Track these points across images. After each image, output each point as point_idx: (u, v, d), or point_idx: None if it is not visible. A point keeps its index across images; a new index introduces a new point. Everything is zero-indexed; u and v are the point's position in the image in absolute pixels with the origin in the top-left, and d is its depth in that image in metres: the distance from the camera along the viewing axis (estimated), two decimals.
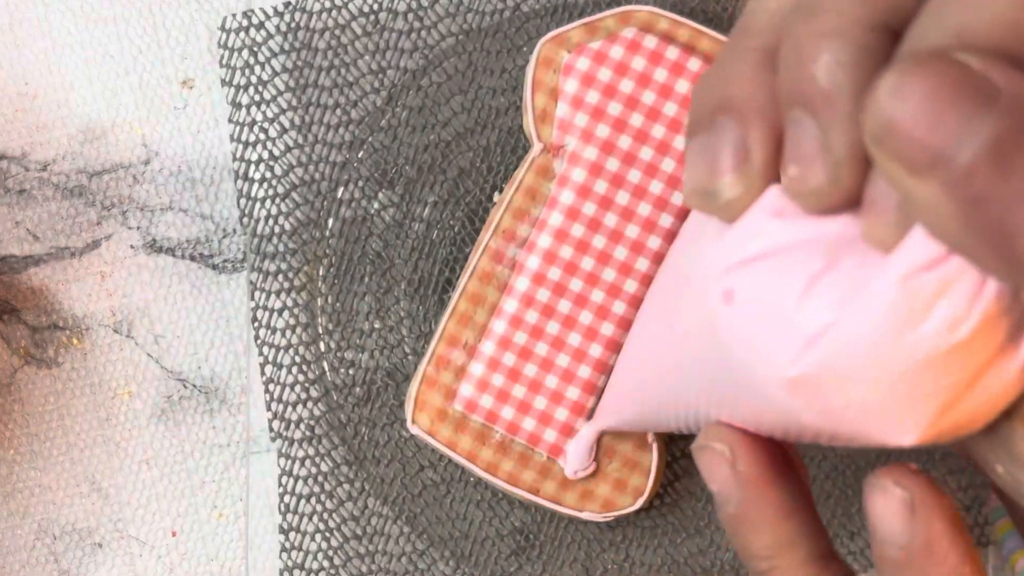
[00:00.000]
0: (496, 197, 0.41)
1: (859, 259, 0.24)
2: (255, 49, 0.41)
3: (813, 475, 0.41)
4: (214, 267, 0.42)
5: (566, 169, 0.39)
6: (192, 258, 0.42)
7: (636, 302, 0.39)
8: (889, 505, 0.26)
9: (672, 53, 0.39)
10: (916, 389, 0.23)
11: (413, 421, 0.40)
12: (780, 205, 0.25)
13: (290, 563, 0.41)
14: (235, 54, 0.41)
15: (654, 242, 0.39)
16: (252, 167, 0.41)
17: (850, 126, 0.23)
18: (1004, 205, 0.20)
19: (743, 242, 0.25)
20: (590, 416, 0.40)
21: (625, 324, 0.39)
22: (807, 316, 0.24)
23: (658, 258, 0.39)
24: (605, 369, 0.39)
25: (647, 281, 0.39)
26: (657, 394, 0.32)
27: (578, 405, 0.39)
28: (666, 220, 0.39)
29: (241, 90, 0.41)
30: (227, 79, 0.41)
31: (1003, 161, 0.20)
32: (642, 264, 0.39)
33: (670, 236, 0.39)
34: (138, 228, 0.42)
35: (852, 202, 0.24)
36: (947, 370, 0.23)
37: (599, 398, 0.39)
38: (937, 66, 0.20)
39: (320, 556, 0.41)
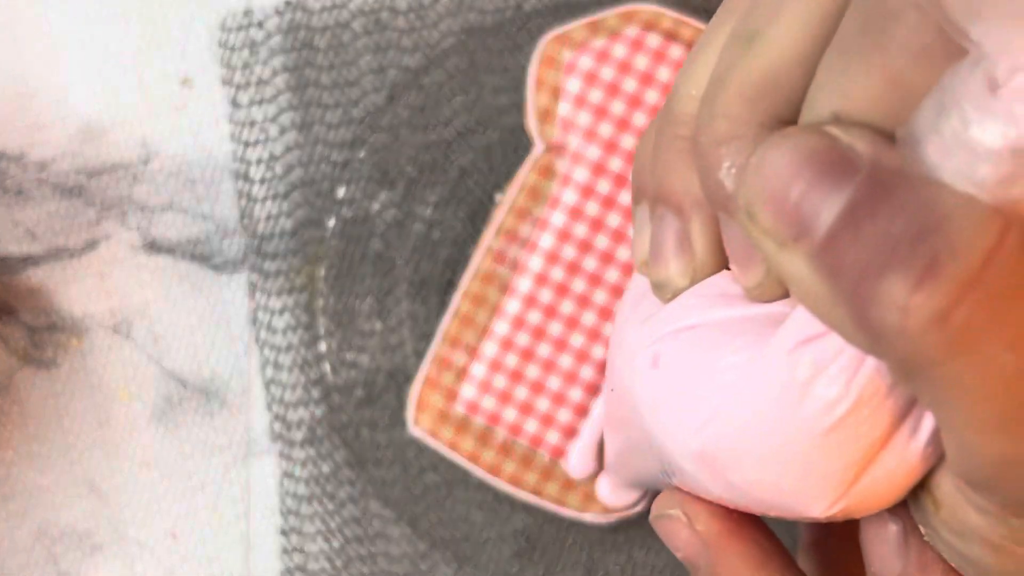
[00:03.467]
0: (498, 197, 0.41)
1: (768, 333, 0.23)
2: (255, 48, 0.41)
3: None
4: (214, 267, 0.42)
5: (569, 168, 0.39)
6: (192, 258, 0.42)
7: None
8: (882, 535, 0.26)
9: (676, 52, 0.39)
10: (808, 468, 0.23)
11: (415, 423, 0.39)
12: (723, 287, 0.25)
13: (291, 565, 0.41)
14: (235, 53, 0.41)
15: None
16: (252, 167, 0.41)
17: None
18: (858, 273, 0.19)
19: (679, 314, 0.25)
20: (590, 415, 0.39)
21: None
22: (713, 388, 0.24)
23: None
24: None
25: None
26: (625, 457, 0.32)
27: (580, 406, 0.39)
28: None
29: (241, 89, 0.41)
30: (227, 78, 0.41)
31: (859, 228, 0.19)
32: None
33: None
34: (137, 228, 0.42)
35: None
36: (833, 450, 0.22)
37: (602, 399, 0.39)
38: (799, 138, 0.20)
39: (322, 558, 0.41)
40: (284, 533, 0.41)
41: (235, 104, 0.41)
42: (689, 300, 0.26)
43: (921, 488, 0.24)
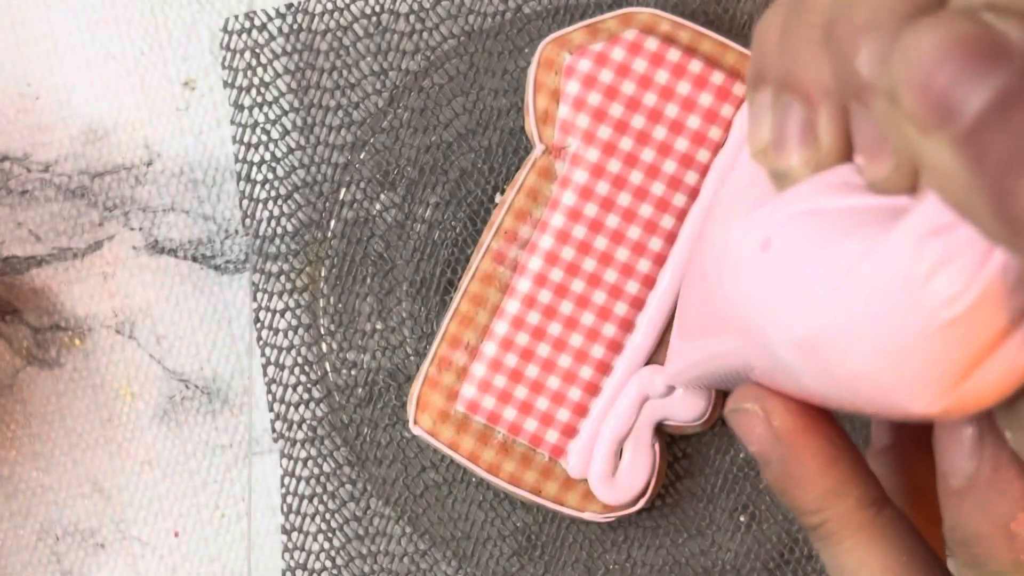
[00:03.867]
0: (498, 198, 0.41)
1: (890, 225, 0.23)
2: (257, 51, 0.41)
3: None
4: (216, 268, 0.42)
5: (568, 170, 0.39)
6: (194, 259, 0.42)
7: (638, 303, 0.39)
8: (956, 436, 0.25)
9: (673, 55, 0.39)
10: (918, 362, 0.22)
11: (415, 422, 0.40)
12: (845, 176, 0.24)
13: (292, 563, 0.41)
14: (237, 56, 0.41)
15: (656, 243, 0.39)
16: (254, 168, 0.41)
17: None
18: (1004, 163, 0.19)
19: (795, 199, 0.25)
20: (589, 414, 0.40)
21: (627, 325, 0.39)
22: (826, 274, 0.23)
23: (660, 259, 0.39)
24: (607, 370, 0.39)
25: (649, 282, 0.39)
26: (702, 353, 0.31)
27: (580, 406, 0.39)
28: (667, 221, 0.39)
29: (243, 92, 0.41)
30: (229, 81, 0.41)
31: (1009, 117, 0.19)
32: (644, 265, 0.39)
33: (671, 237, 0.39)
34: (140, 229, 0.42)
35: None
36: (947, 346, 0.22)
37: (601, 398, 0.39)
38: (954, 21, 0.20)
39: (323, 556, 0.41)
40: (285, 531, 0.41)
41: (237, 107, 0.41)
42: (807, 186, 0.25)
43: (1021, 393, 0.23)
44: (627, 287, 0.39)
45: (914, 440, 0.30)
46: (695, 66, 0.39)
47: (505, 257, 0.39)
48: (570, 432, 0.39)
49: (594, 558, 0.41)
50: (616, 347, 0.39)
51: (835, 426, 0.27)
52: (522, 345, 0.39)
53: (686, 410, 0.39)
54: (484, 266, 0.40)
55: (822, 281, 0.23)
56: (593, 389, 0.39)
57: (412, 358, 0.41)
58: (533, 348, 0.39)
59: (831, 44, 0.24)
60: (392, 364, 0.41)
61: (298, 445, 0.41)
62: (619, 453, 0.40)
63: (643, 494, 0.39)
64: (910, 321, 0.22)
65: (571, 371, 0.39)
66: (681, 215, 0.39)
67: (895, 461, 0.31)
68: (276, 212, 0.41)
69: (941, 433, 0.26)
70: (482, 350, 0.39)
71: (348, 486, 0.41)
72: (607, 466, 0.40)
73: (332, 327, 0.41)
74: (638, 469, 0.39)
